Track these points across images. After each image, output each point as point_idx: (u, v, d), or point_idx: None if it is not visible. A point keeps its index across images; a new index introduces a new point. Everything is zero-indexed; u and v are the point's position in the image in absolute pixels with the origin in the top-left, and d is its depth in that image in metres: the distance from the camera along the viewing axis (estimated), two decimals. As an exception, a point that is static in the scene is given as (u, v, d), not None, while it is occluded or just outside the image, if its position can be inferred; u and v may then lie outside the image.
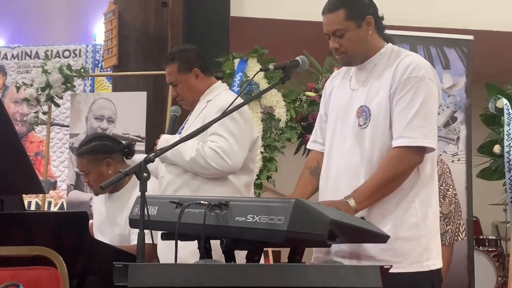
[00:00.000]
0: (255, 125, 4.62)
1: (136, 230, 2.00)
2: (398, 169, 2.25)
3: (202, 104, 2.99)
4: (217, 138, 2.81)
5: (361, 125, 2.34)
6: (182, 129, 3.05)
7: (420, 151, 2.27)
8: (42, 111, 5.31)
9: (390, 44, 2.44)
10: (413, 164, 2.27)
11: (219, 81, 3.14)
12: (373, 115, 2.32)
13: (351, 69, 2.46)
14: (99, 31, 6.80)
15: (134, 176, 2.10)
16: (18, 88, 5.39)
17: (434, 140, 2.29)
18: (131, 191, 3.15)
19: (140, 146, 5.01)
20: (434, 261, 2.32)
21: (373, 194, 2.25)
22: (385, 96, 2.31)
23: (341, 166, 2.37)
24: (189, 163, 2.83)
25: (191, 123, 2.97)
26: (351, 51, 2.37)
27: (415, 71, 2.29)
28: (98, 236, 3.23)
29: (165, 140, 2.93)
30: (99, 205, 3.32)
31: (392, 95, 2.30)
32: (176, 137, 2.92)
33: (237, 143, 2.83)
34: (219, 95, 2.99)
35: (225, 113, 2.27)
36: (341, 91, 2.47)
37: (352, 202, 2.23)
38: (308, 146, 2.64)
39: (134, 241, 3.06)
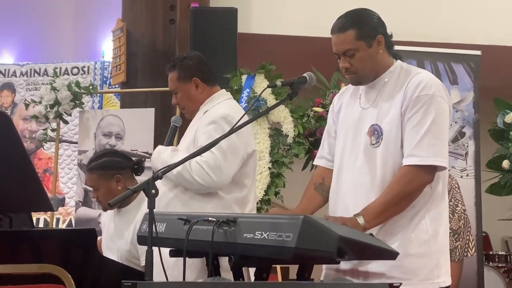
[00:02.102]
0: (261, 141, 4.62)
1: (145, 250, 2.00)
2: (408, 187, 2.24)
3: (199, 115, 2.94)
4: (205, 152, 2.77)
5: (373, 144, 2.32)
6: None
7: (431, 170, 2.26)
8: (50, 128, 5.33)
9: (399, 61, 2.42)
10: (423, 183, 2.26)
11: (223, 90, 3.06)
12: (385, 134, 2.31)
13: (360, 86, 2.45)
14: (107, 48, 6.84)
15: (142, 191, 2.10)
16: (27, 105, 5.43)
17: (445, 159, 2.28)
18: (139, 206, 3.15)
19: (148, 162, 5.01)
20: (444, 278, 2.31)
21: (383, 212, 2.23)
22: (396, 115, 2.30)
23: (352, 184, 2.35)
24: (176, 177, 2.79)
25: (185, 135, 2.95)
26: (361, 71, 2.36)
27: (425, 89, 2.28)
28: (106, 252, 3.23)
29: (157, 152, 2.92)
30: (108, 221, 3.32)
31: (403, 113, 2.29)
32: (168, 149, 2.91)
33: (225, 158, 2.76)
34: (216, 106, 2.92)
35: (232, 130, 2.27)
36: (350, 109, 2.45)
37: (361, 220, 2.21)
38: (315, 162, 2.62)
39: (144, 262, 3.05)
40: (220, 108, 2.90)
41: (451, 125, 4.76)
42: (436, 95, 2.28)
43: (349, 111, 2.46)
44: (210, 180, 2.74)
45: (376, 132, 2.32)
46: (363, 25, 2.34)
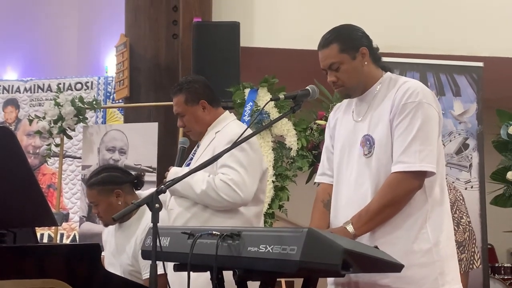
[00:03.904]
0: (265, 155, 4.62)
1: (148, 264, 2.00)
2: (396, 194, 2.26)
3: (211, 136, 2.99)
4: (228, 170, 2.80)
5: (366, 154, 2.35)
6: (191, 160, 3.04)
7: (419, 176, 2.27)
8: (54, 143, 5.34)
9: (388, 73, 2.46)
10: (411, 189, 2.27)
11: (227, 111, 3.13)
12: (377, 143, 2.34)
13: (352, 101, 2.49)
14: (110, 63, 6.87)
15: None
16: (30, 121, 5.44)
17: (433, 164, 2.28)
18: (140, 220, 3.16)
19: (152, 176, 5.02)
20: (449, 286, 2.30)
21: (372, 219, 2.25)
22: (386, 124, 2.33)
23: (350, 196, 2.37)
24: (199, 196, 2.82)
25: (200, 155, 2.96)
26: (348, 83, 2.40)
27: (412, 96, 2.31)
28: (109, 268, 3.22)
29: (174, 173, 2.92)
30: (109, 237, 3.32)
31: (391, 121, 2.33)
32: (185, 169, 2.92)
33: (248, 175, 2.82)
34: (228, 126, 2.98)
35: (235, 144, 2.28)
36: (344, 123, 2.49)
37: (350, 228, 2.24)
38: (316, 180, 2.63)
39: (146, 275, 3.05)
40: (232, 127, 2.96)
41: (454, 137, 4.80)
42: (423, 102, 2.30)
43: (343, 125, 2.49)
44: (237, 197, 2.78)
45: (368, 142, 2.35)
46: (345, 39, 2.39)
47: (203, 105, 3.02)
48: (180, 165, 3.01)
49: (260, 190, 2.93)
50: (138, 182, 3.29)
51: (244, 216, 2.86)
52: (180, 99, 3.03)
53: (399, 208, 2.27)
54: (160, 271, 2.03)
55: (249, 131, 2.73)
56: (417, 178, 2.27)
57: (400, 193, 2.26)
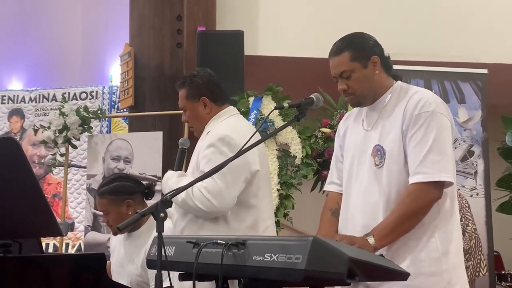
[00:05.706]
0: (270, 163, 4.61)
1: (155, 273, 1.99)
2: (416, 204, 2.25)
3: (204, 135, 2.90)
4: None
5: (377, 165, 2.34)
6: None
7: (438, 186, 2.27)
8: (59, 153, 5.35)
9: (399, 82, 2.46)
10: (431, 199, 2.26)
11: (230, 106, 3.01)
12: (388, 153, 2.33)
13: (363, 110, 2.48)
14: (115, 73, 6.90)
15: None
16: (35, 131, 5.45)
17: (451, 174, 2.28)
18: (150, 230, 3.14)
19: (158, 186, 5.02)
20: None
21: (393, 231, 2.24)
22: (398, 134, 2.32)
23: (360, 206, 2.36)
24: (182, 204, 2.76)
25: (191, 158, 2.91)
26: (359, 91, 2.40)
27: (425, 106, 2.31)
28: (116, 276, 3.22)
29: (166, 178, 2.88)
30: (117, 244, 3.31)
31: (405, 132, 2.32)
32: (175, 174, 2.86)
33: (225, 182, 2.70)
34: (217, 126, 2.86)
35: (240, 152, 2.27)
36: (354, 132, 2.49)
37: (371, 240, 2.22)
38: (325, 188, 2.63)
39: (154, 286, 3.04)
40: (220, 128, 2.84)
41: (459, 144, 4.79)
42: (436, 111, 2.30)
43: (353, 134, 2.49)
44: (212, 206, 2.69)
45: (379, 153, 2.35)
46: (357, 47, 2.39)
47: (204, 102, 2.91)
48: (179, 167, 2.94)
49: (251, 195, 2.79)
50: (149, 192, 3.28)
51: (232, 226, 2.74)
52: (182, 93, 2.95)
53: (419, 219, 2.25)
54: (166, 283, 2.02)
55: (242, 132, 2.67)
56: (437, 188, 2.26)
57: (420, 204, 2.25)
